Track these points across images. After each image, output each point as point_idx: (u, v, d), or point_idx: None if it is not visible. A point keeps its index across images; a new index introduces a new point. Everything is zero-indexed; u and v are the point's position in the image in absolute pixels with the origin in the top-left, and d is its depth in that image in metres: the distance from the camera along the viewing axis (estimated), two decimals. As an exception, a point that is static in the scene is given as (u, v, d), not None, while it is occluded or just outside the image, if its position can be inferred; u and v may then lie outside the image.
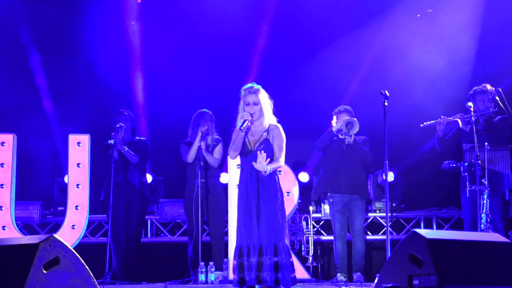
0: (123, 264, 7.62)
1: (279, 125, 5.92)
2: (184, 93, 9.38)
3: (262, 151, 5.66)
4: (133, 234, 7.72)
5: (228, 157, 6.11)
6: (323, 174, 7.80)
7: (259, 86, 5.92)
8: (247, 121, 5.79)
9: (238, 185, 6.03)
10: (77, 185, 7.83)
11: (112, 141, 7.61)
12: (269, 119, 5.92)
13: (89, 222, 8.07)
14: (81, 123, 9.35)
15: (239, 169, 6.20)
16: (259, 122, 5.88)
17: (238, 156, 5.96)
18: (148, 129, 9.80)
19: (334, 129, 7.58)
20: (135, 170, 7.71)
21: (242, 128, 5.74)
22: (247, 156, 5.87)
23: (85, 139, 7.89)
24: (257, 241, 5.68)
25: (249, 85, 5.93)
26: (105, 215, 7.99)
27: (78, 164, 7.84)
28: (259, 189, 5.79)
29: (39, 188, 9.41)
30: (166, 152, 9.14)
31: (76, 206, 7.81)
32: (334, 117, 7.71)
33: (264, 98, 5.91)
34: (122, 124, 7.63)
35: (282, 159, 5.90)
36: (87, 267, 4.34)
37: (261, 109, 5.86)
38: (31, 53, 9.67)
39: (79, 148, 7.85)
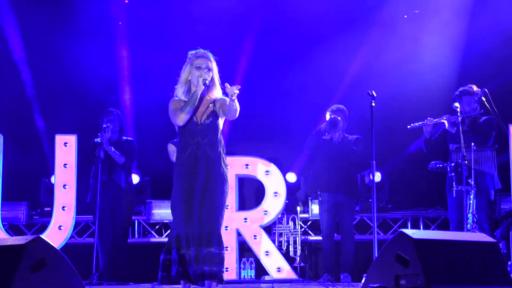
0: (110, 264, 7.60)
1: (226, 98, 5.15)
2: (172, 92, 9.36)
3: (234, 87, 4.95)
4: (120, 235, 7.70)
5: (177, 121, 5.18)
6: (314, 173, 7.84)
7: (210, 53, 5.32)
8: (207, 80, 5.13)
9: (175, 165, 5.25)
10: (64, 185, 7.81)
11: (98, 140, 7.59)
12: (219, 91, 5.25)
13: (76, 222, 8.05)
14: (67, 123, 9.30)
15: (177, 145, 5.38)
16: (210, 91, 5.23)
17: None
18: (135, 129, 9.77)
19: (321, 129, 7.62)
20: (121, 170, 7.69)
21: (206, 83, 5.09)
22: (192, 129, 5.17)
23: (71, 139, 7.86)
24: (197, 230, 5.03)
25: (197, 50, 5.32)
26: (92, 216, 7.96)
27: (65, 164, 7.81)
28: (207, 169, 5.10)
29: (26, 189, 9.36)
30: (153, 152, 9.13)
31: (63, 207, 7.79)
32: (328, 115, 7.76)
33: (216, 68, 5.29)
34: (109, 124, 7.61)
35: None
36: (74, 268, 4.32)
37: (213, 78, 5.22)
38: (17, 51, 9.62)
39: (65, 149, 7.83)
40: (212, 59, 5.27)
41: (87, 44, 9.61)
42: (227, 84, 5.00)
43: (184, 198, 5.07)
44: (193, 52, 5.30)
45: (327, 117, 7.76)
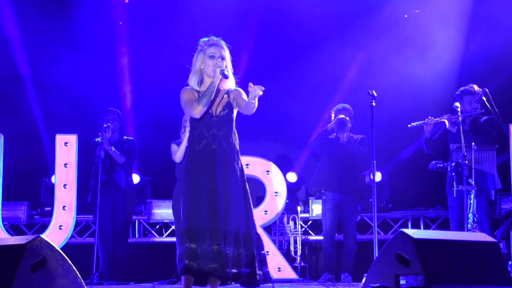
0: (110, 264, 7.60)
1: (240, 89, 5.03)
2: (172, 92, 9.36)
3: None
4: (120, 235, 7.70)
5: (193, 113, 4.92)
6: (318, 172, 7.84)
7: (223, 41, 5.11)
8: (225, 71, 4.90)
9: (188, 157, 5.04)
10: (64, 185, 7.81)
11: (99, 139, 7.59)
12: (232, 81, 5.03)
13: (76, 222, 8.05)
14: (68, 123, 9.31)
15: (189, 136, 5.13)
16: (223, 81, 4.98)
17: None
18: (136, 128, 9.77)
19: (328, 128, 7.63)
20: (121, 170, 7.69)
21: (225, 73, 4.87)
22: (207, 121, 4.95)
23: (72, 139, 7.87)
24: (220, 227, 4.78)
25: (209, 37, 5.09)
26: (92, 216, 7.96)
27: (65, 164, 7.82)
28: (224, 163, 4.91)
29: (26, 189, 9.36)
30: (154, 152, 9.13)
31: (64, 207, 7.79)
32: (333, 115, 7.77)
33: (229, 56, 5.07)
34: (110, 124, 7.61)
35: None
36: (74, 267, 4.32)
37: (226, 67, 4.98)
38: (19, 51, 9.63)
39: (66, 148, 7.83)
40: (225, 47, 5.06)
41: (88, 44, 9.62)
42: (250, 84, 4.75)
43: (204, 191, 4.83)
44: (205, 39, 5.08)
45: (333, 116, 7.76)
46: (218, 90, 4.96)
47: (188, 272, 4.71)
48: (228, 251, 4.73)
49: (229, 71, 4.99)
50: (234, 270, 4.73)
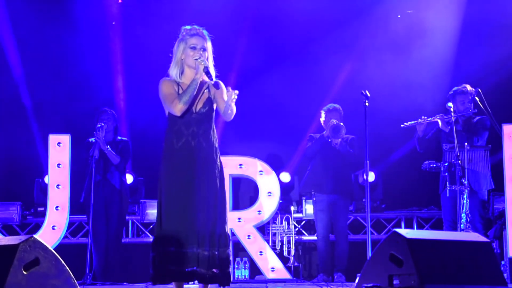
0: (103, 264, 7.59)
1: (221, 83, 4.83)
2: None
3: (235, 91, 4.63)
4: (114, 235, 7.69)
5: (173, 110, 4.76)
6: (310, 174, 7.85)
7: (206, 31, 4.91)
8: (209, 67, 4.73)
9: (165, 154, 4.86)
10: (57, 185, 7.79)
11: (93, 139, 7.58)
12: (213, 73, 4.79)
13: (69, 222, 8.04)
14: (61, 123, 9.29)
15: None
16: (203, 76, 4.79)
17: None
18: (129, 129, 9.76)
19: (325, 135, 7.63)
20: (115, 170, 7.68)
21: (209, 72, 4.68)
22: (187, 118, 4.79)
23: (65, 139, 7.85)
24: (196, 228, 4.67)
25: (192, 26, 4.89)
26: (85, 216, 7.95)
27: (59, 164, 7.80)
28: (204, 162, 4.77)
29: (19, 189, 9.34)
30: (147, 152, 9.11)
31: (57, 207, 7.78)
32: (323, 115, 7.77)
33: (211, 48, 4.87)
34: (103, 124, 7.60)
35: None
36: (67, 268, 4.31)
37: (207, 59, 4.80)
38: (11, 50, 9.60)
39: (59, 148, 7.82)
40: (207, 38, 4.88)
41: (81, 44, 9.60)
42: (229, 88, 4.68)
43: (182, 191, 4.71)
44: (188, 28, 4.89)
45: (322, 116, 7.77)
46: (199, 85, 4.80)
47: (163, 279, 4.68)
48: (205, 252, 4.66)
49: (210, 63, 4.83)
50: (210, 271, 4.67)
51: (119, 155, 7.66)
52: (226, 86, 4.81)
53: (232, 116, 4.81)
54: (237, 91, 4.67)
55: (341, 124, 7.61)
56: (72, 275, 4.34)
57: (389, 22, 9.50)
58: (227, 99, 4.69)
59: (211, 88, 4.87)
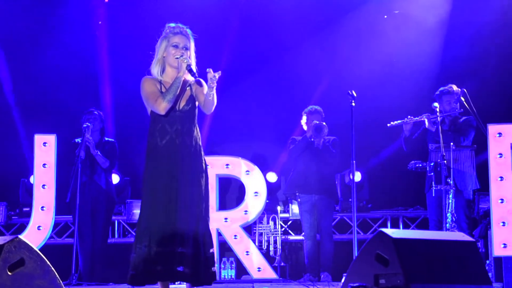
0: (89, 265, 7.56)
1: (203, 81, 4.76)
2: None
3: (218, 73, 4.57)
4: (100, 235, 7.66)
5: (157, 109, 4.73)
6: (293, 175, 7.85)
7: (189, 30, 4.88)
8: (192, 66, 4.72)
9: (149, 153, 4.81)
10: (43, 185, 7.75)
11: (79, 140, 7.55)
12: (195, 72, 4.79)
13: (55, 223, 8.00)
14: (47, 123, 9.25)
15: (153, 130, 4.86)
16: (185, 73, 4.76)
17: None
18: (116, 129, 9.74)
19: (308, 135, 7.63)
20: (102, 171, 7.66)
21: (193, 70, 4.67)
22: (171, 116, 4.75)
23: (51, 139, 7.80)
24: (179, 228, 4.63)
25: (176, 24, 4.87)
26: (71, 216, 7.92)
27: (44, 164, 7.76)
28: (189, 161, 4.73)
29: (4, 189, 9.30)
30: (134, 152, 9.10)
31: (42, 207, 7.73)
32: (304, 117, 7.78)
33: (193, 47, 4.85)
34: (89, 124, 7.56)
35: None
36: (53, 268, 4.30)
37: (190, 57, 4.77)
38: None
39: (45, 148, 7.77)
40: (191, 36, 4.84)
41: (67, 44, 9.57)
42: (210, 69, 4.61)
43: (166, 190, 4.67)
44: (172, 25, 4.86)
45: (304, 118, 7.77)
46: (182, 83, 4.76)
47: (147, 280, 4.62)
48: (189, 252, 4.62)
49: (193, 62, 4.81)
50: (195, 271, 4.62)
51: (108, 160, 7.62)
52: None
53: (213, 107, 4.76)
54: (219, 72, 4.62)
55: (324, 123, 7.62)
56: (57, 276, 4.32)
57: (376, 22, 9.53)
58: (208, 81, 4.61)
59: (193, 86, 4.83)
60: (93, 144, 7.47)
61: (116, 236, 9.25)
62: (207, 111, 4.81)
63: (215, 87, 4.64)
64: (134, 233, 9.08)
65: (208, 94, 4.67)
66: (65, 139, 7.89)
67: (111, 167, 7.77)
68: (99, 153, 7.54)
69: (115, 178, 8.85)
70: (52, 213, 7.74)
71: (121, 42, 9.71)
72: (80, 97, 9.40)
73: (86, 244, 7.56)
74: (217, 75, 4.60)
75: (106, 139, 7.88)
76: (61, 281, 4.36)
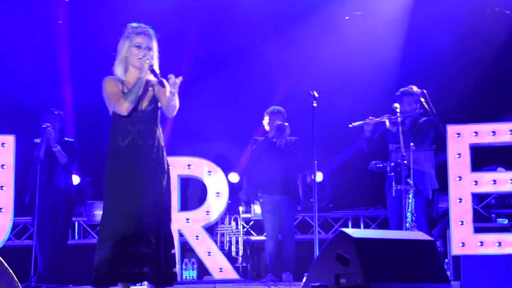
0: (49, 267, 7.48)
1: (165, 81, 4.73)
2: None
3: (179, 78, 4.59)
4: (59, 236, 7.59)
5: (119, 110, 4.71)
6: (255, 175, 7.86)
7: (152, 30, 4.86)
8: (154, 66, 4.69)
9: (110, 153, 4.79)
10: (1, 187, 7.62)
11: (38, 140, 7.47)
12: (158, 73, 4.77)
13: (13, 224, 7.88)
14: (6, 124, 9.12)
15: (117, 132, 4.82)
16: (148, 74, 4.73)
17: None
18: (76, 129, 9.65)
19: (270, 136, 7.64)
20: (61, 171, 7.59)
21: (155, 71, 4.65)
22: (133, 116, 4.73)
23: (10, 139, 7.68)
24: (142, 228, 4.61)
25: (138, 24, 4.84)
26: (30, 217, 7.82)
27: (3, 165, 7.63)
28: (151, 161, 4.71)
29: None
30: (94, 152, 9.01)
31: (0, 209, 7.61)
32: (266, 117, 7.79)
33: (156, 47, 4.82)
34: (49, 124, 7.49)
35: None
36: (10, 270, 4.24)
37: (152, 58, 4.75)
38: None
39: (3, 149, 7.64)
40: (153, 37, 4.82)
41: (27, 42, 9.45)
42: (171, 75, 4.62)
43: (129, 190, 4.64)
44: (134, 25, 4.84)
45: (266, 119, 7.78)
46: (144, 83, 4.75)
47: (110, 281, 4.59)
48: (152, 252, 4.60)
49: (155, 63, 4.79)
50: (157, 271, 4.61)
51: (67, 155, 7.56)
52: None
53: (175, 111, 4.76)
54: (180, 78, 4.62)
55: (286, 124, 7.64)
56: (15, 278, 4.27)
57: (337, 23, 9.58)
58: (170, 86, 4.62)
59: (155, 86, 4.80)
60: (53, 139, 7.40)
61: (76, 237, 9.16)
62: (169, 114, 4.80)
63: (176, 92, 4.64)
64: (94, 235, 9.05)
65: (170, 99, 4.66)
66: (24, 139, 7.79)
67: (70, 165, 7.70)
68: (58, 147, 7.46)
69: (76, 179, 8.76)
70: (10, 215, 7.61)
71: (82, 41, 9.63)
72: (40, 97, 9.29)
73: (46, 245, 7.49)
74: (178, 80, 4.61)
75: (66, 139, 7.82)
76: (19, 283, 4.30)
